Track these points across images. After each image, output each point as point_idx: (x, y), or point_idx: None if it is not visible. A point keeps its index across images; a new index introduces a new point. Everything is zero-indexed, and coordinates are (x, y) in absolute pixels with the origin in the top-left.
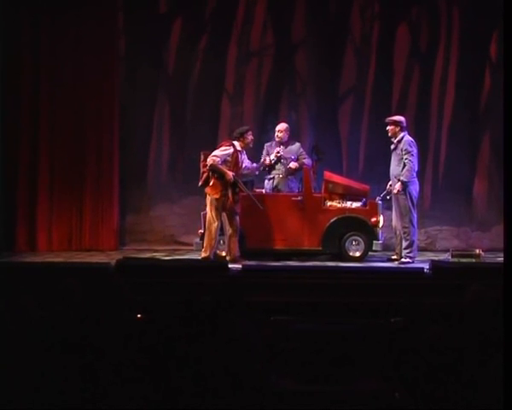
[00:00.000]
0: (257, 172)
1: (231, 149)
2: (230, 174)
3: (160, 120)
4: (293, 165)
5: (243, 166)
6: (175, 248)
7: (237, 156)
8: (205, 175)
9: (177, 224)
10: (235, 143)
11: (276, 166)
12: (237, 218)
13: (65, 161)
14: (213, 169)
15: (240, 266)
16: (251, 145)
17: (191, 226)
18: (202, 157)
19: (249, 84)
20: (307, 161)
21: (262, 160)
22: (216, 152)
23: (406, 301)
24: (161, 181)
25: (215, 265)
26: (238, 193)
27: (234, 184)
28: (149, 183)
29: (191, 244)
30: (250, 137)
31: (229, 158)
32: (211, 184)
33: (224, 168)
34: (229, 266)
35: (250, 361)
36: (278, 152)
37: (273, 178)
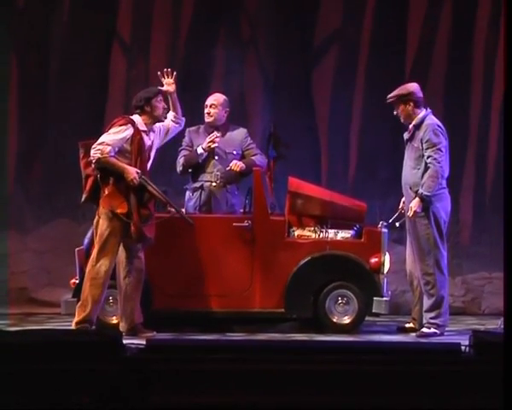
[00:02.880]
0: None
1: (130, 130)
2: (133, 172)
3: (3, 85)
4: (235, 165)
5: (153, 154)
6: (29, 311)
7: (141, 140)
8: (90, 181)
9: (33, 269)
10: (136, 118)
11: (207, 168)
12: (142, 255)
13: None
14: (104, 167)
15: (143, 341)
16: (163, 118)
17: (58, 273)
18: (82, 151)
19: (159, 26)
20: (259, 158)
21: (181, 156)
22: (104, 137)
23: (431, 402)
24: (4, 195)
25: (100, 340)
26: (148, 206)
27: (140, 190)
28: None
29: (57, 304)
30: (160, 104)
31: (127, 145)
32: (106, 193)
33: (123, 163)
34: (125, 341)
35: None
36: (213, 141)
37: (201, 188)
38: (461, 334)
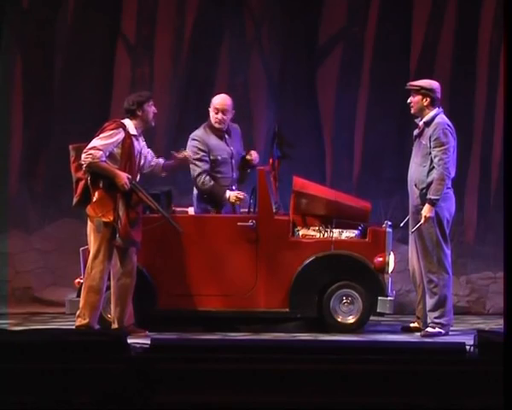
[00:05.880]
0: (163, 174)
1: (121, 134)
2: (124, 177)
3: (5, 85)
4: (253, 159)
5: (143, 161)
6: (33, 310)
7: (131, 145)
8: (81, 185)
9: (38, 268)
10: (127, 122)
11: (225, 172)
12: (134, 257)
13: None
14: (95, 171)
15: (148, 340)
16: (153, 122)
17: (62, 273)
18: (73, 155)
19: (163, 26)
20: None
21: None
22: (96, 142)
23: (436, 402)
24: (8, 195)
25: (105, 339)
26: (136, 210)
27: (130, 195)
28: None
29: (62, 304)
30: (151, 109)
31: (117, 149)
32: (94, 199)
33: (113, 168)
34: (130, 341)
35: None
36: (240, 199)
37: None
38: (465, 334)
